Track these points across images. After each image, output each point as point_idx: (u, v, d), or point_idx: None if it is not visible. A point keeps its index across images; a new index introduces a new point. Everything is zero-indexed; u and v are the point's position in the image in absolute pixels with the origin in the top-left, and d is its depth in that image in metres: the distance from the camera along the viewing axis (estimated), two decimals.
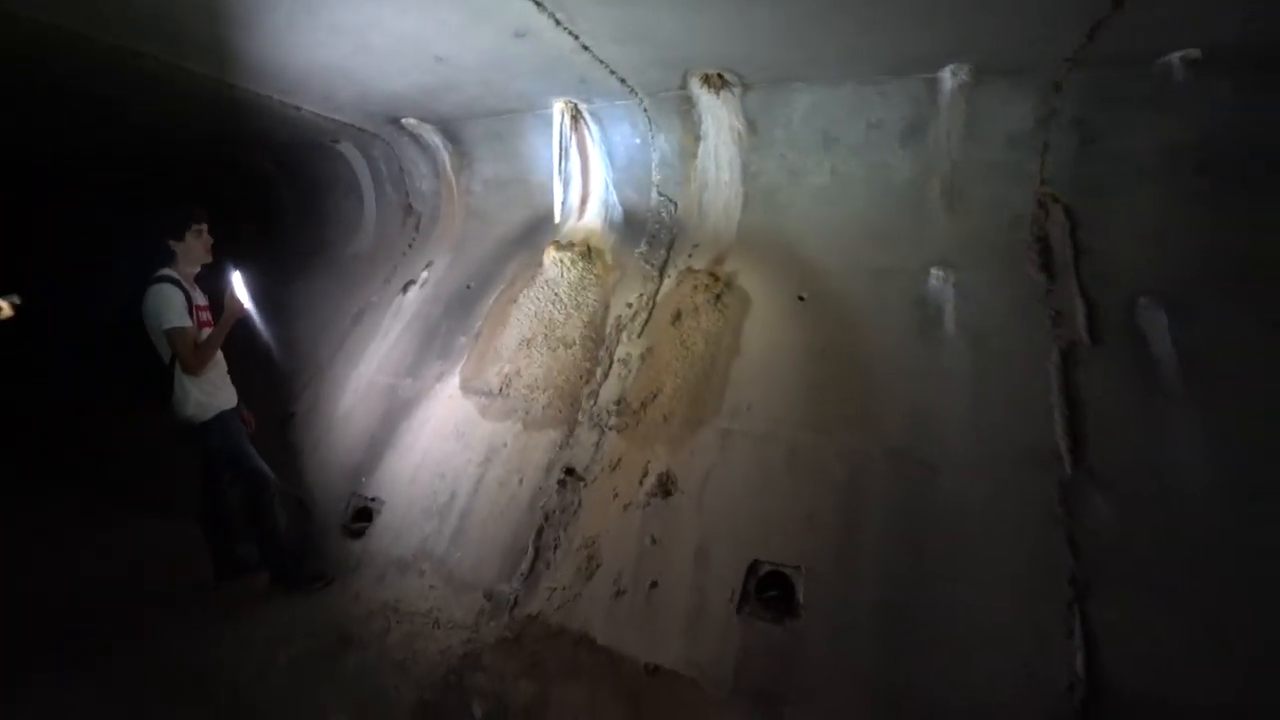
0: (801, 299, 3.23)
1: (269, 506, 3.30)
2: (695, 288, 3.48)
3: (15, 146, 5.40)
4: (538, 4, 2.59)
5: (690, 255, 3.65)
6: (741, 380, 3.14)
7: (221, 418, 3.19)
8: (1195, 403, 2.64)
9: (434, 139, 4.45)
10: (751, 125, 3.43)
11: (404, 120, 4.27)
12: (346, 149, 5.02)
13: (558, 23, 2.74)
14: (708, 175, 3.63)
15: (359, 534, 3.52)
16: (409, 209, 5.09)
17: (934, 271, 3.17)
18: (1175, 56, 2.82)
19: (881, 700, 2.30)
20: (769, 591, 2.60)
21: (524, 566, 3.02)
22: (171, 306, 3.00)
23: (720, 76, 3.19)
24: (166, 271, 3.10)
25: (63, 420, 5.18)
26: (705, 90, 3.29)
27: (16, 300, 1.57)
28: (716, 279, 3.45)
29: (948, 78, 3.05)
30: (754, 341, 3.21)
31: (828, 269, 3.25)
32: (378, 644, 2.82)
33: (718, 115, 3.42)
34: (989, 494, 2.60)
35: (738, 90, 3.27)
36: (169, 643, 2.88)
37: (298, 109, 4.09)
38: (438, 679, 2.57)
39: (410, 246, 4.96)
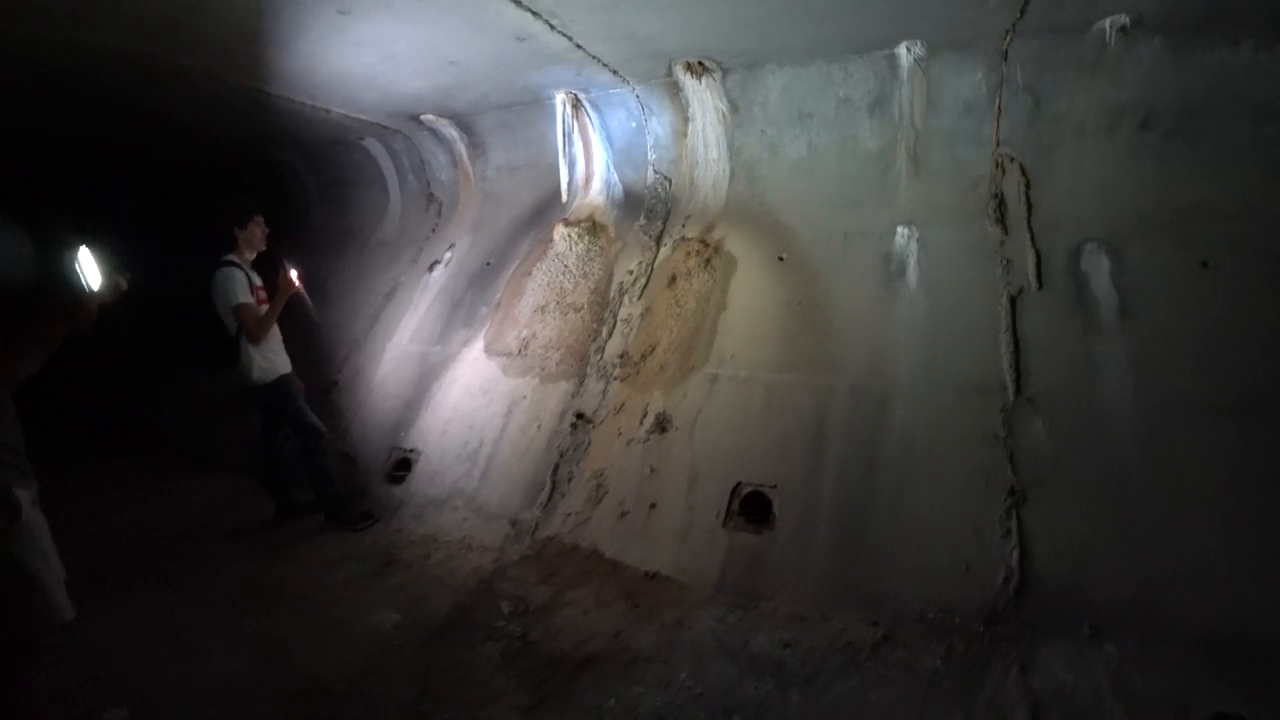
0: (781, 259, 3.63)
1: (322, 454, 3.85)
2: (688, 254, 3.90)
3: (84, 149, 6.00)
4: (534, 13, 3.02)
5: (684, 225, 4.06)
6: (727, 332, 3.56)
7: (281, 380, 3.74)
8: (1125, 336, 3.00)
9: (450, 132, 4.91)
10: (734, 105, 3.81)
11: (422, 116, 4.73)
12: (371, 145, 5.50)
13: (552, 27, 3.16)
14: (697, 153, 4.03)
15: (399, 480, 4.05)
16: (431, 196, 5.57)
17: (900, 230, 3.53)
18: (1107, 22, 3.13)
19: (839, 592, 2.73)
20: (750, 508, 3.04)
21: (543, 497, 3.51)
22: (239, 285, 3.54)
23: (701, 64, 3.58)
24: (230, 256, 3.63)
25: (143, 391, 5.82)
26: (689, 76, 3.68)
27: (129, 277, 1.92)
28: (707, 245, 3.86)
29: (904, 54, 3.39)
30: (739, 298, 3.63)
31: (804, 232, 3.64)
32: (419, 564, 3.34)
33: (702, 98, 3.81)
34: (937, 420, 3.00)
35: (718, 75, 3.65)
36: (239, 567, 3.44)
37: (328, 111, 4.57)
38: (471, 586, 3.08)
39: (434, 230, 5.45)
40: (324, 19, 3.11)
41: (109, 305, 2.02)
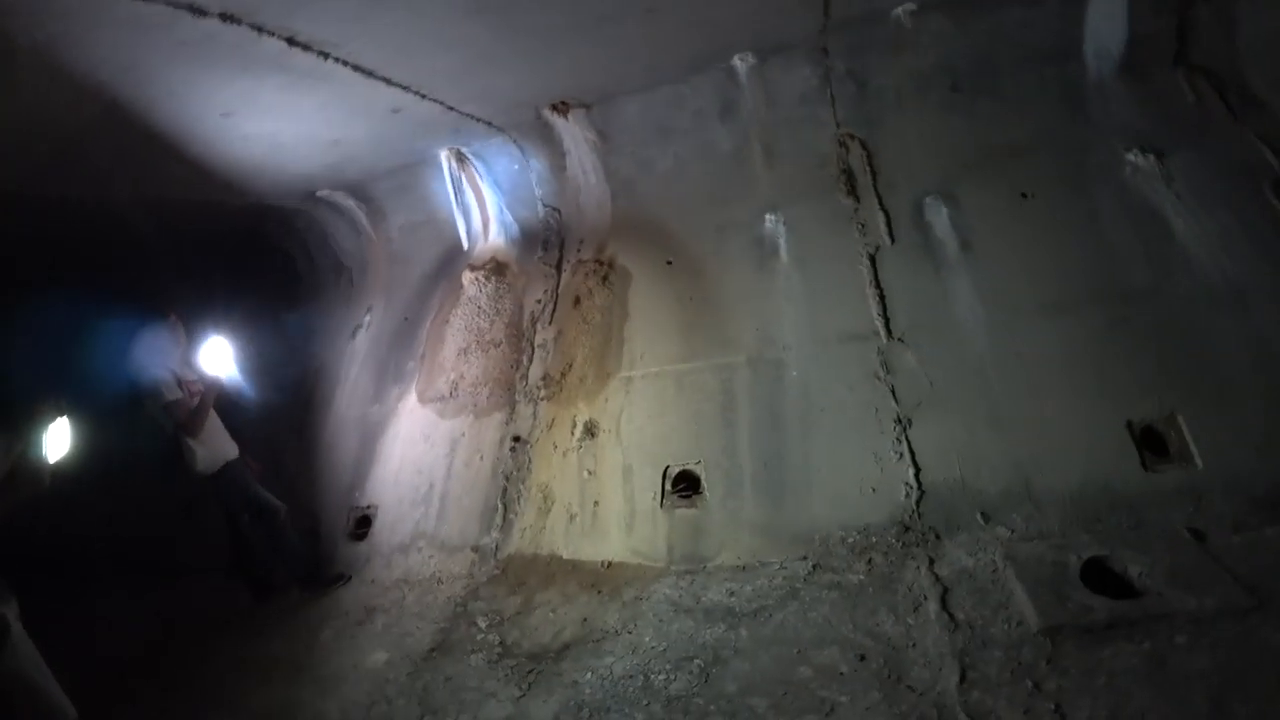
0: (669, 263, 4.01)
1: (283, 531, 3.98)
2: (586, 274, 4.25)
3: None
4: (403, 87, 3.33)
5: (579, 249, 4.42)
6: (634, 337, 3.92)
7: (228, 467, 3.85)
8: (968, 267, 3.49)
9: (347, 202, 5.14)
10: (602, 134, 4.19)
11: (319, 192, 4.95)
12: (272, 227, 5.66)
13: (423, 97, 3.48)
14: (578, 181, 4.39)
15: (363, 536, 4.21)
16: (340, 265, 5.75)
17: (766, 216, 3.97)
18: (899, 10, 3.63)
19: (770, 538, 3.09)
20: (681, 485, 3.38)
21: (498, 519, 3.77)
22: (165, 387, 3.67)
23: (564, 103, 3.96)
24: (158, 361, 3.76)
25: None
26: (557, 116, 4.05)
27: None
28: (601, 263, 4.22)
29: (739, 64, 3.83)
30: (638, 305, 4.00)
31: (685, 234, 4.04)
32: (397, 607, 3.54)
33: (573, 133, 4.18)
34: (826, 371, 3.42)
35: (581, 111, 4.03)
36: (229, 654, 3.53)
37: (222, 203, 4.74)
38: (449, 614, 3.30)
39: (348, 299, 5.63)
40: (207, 125, 3.35)
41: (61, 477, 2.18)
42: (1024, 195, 3.59)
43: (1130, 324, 3.06)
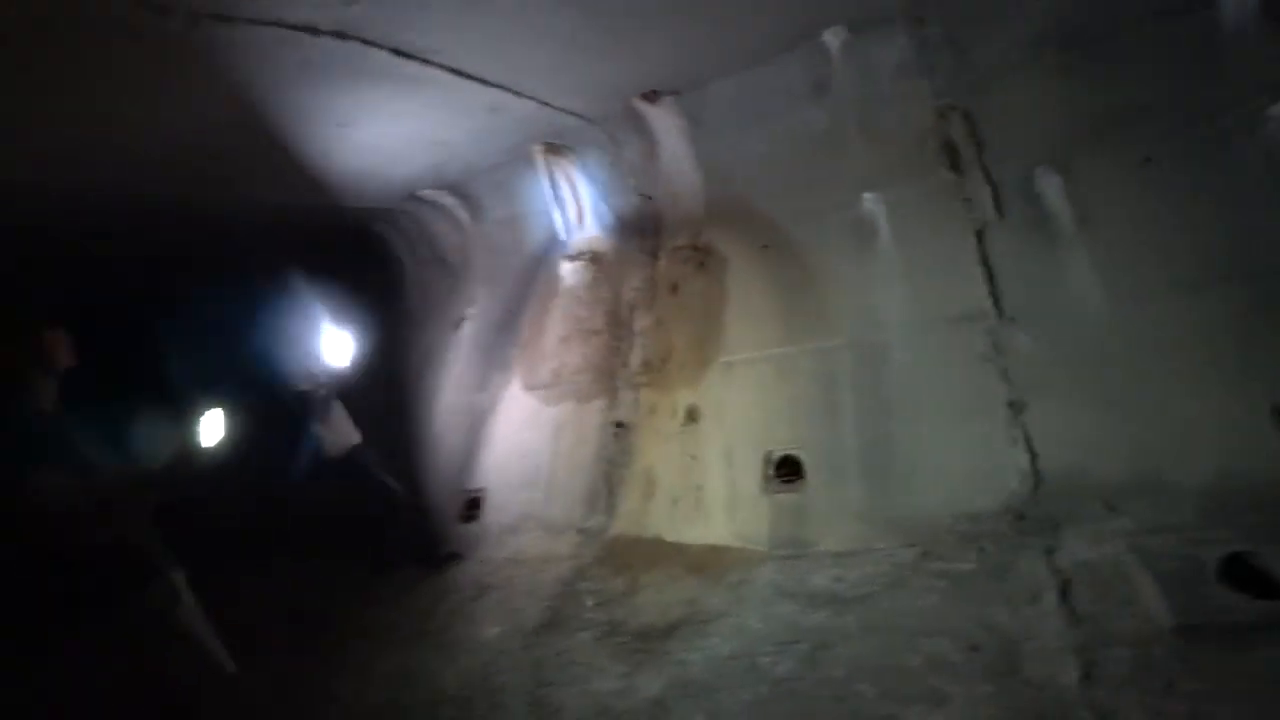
0: (765, 247, 3.99)
1: (400, 511, 4.32)
2: (682, 261, 4.29)
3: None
4: (498, 86, 3.46)
5: (674, 236, 4.46)
6: (732, 323, 3.94)
7: (352, 451, 4.22)
8: (1085, 241, 3.29)
9: (448, 200, 5.40)
10: (693, 120, 4.19)
11: (421, 192, 5.22)
12: (380, 228, 6.02)
13: (518, 94, 3.60)
14: (670, 169, 4.42)
15: (472, 518, 4.49)
16: (443, 261, 6.05)
17: (865, 196, 3.86)
18: None
19: (876, 525, 3.07)
20: (783, 470, 3.39)
21: (602, 503, 3.92)
22: (298, 376, 4.05)
23: (654, 92, 3.99)
24: (289, 355, 4.14)
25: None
26: (647, 105, 4.08)
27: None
28: (697, 249, 4.25)
29: (830, 39, 3.74)
30: (735, 290, 4.00)
31: (779, 218, 3.99)
32: (508, 584, 3.76)
33: (663, 120, 4.21)
34: (933, 354, 3.33)
35: (671, 98, 4.05)
36: (355, 622, 3.89)
37: (336, 207, 5.08)
38: (557, 592, 3.48)
39: (452, 292, 5.92)
40: (325, 135, 3.61)
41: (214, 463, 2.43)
42: (1147, 159, 3.34)
43: (1277, 301, 2.81)
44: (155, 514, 2.39)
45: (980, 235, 3.51)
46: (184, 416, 2.34)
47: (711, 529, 3.46)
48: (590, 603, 3.31)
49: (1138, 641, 2.19)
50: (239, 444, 2.50)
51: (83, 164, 3.37)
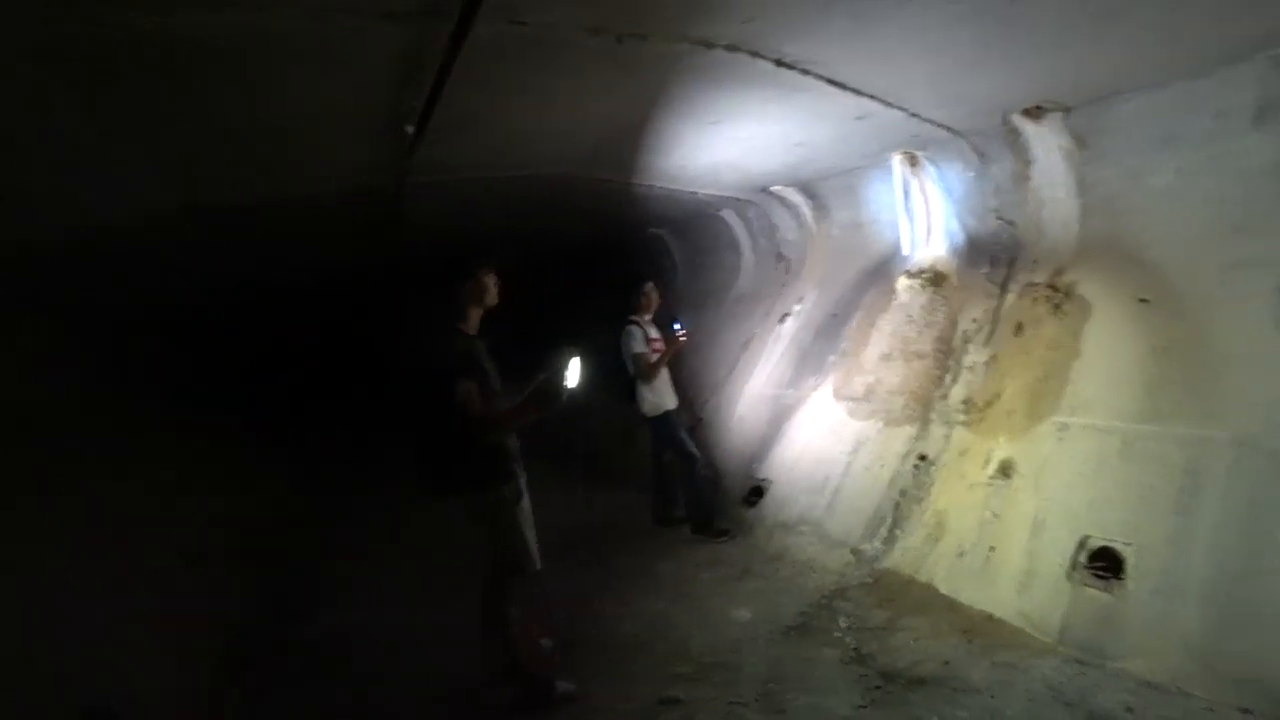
0: (1144, 301, 3.35)
1: (694, 476, 4.74)
2: (1035, 300, 3.84)
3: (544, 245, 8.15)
4: (869, 96, 3.46)
5: (1031, 270, 3.99)
6: (1080, 380, 3.43)
7: (667, 414, 4.77)
8: None
9: (796, 198, 5.56)
10: (1080, 141, 3.66)
11: (772, 187, 5.46)
12: (727, 215, 6.48)
13: (888, 104, 3.56)
14: (1042, 194, 3.94)
15: (753, 504, 4.74)
16: (780, 255, 6.28)
17: None
18: None
19: (1206, 666, 2.47)
20: (1098, 563, 2.91)
21: (883, 531, 3.82)
22: (636, 339, 4.74)
23: (1038, 107, 3.59)
24: (633, 316, 4.80)
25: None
26: (1027, 121, 3.69)
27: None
28: (1056, 290, 3.76)
29: None
30: (1093, 345, 3.46)
31: (1173, 268, 3.30)
32: (770, 576, 3.94)
33: (1043, 139, 3.75)
34: None
35: (1058, 115, 3.59)
36: (629, 560, 4.51)
37: (694, 193, 5.58)
38: (814, 600, 3.55)
39: (783, 286, 6.12)
40: (698, 130, 4.00)
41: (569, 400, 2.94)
42: None
43: None
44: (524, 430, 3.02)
45: None
46: (559, 358, 2.87)
47: (995, 597, 3.15)
48: (844, 623, 3.30)
49: None
50: (588, 388, 2.96)
51: (535, 148, 4.23)
